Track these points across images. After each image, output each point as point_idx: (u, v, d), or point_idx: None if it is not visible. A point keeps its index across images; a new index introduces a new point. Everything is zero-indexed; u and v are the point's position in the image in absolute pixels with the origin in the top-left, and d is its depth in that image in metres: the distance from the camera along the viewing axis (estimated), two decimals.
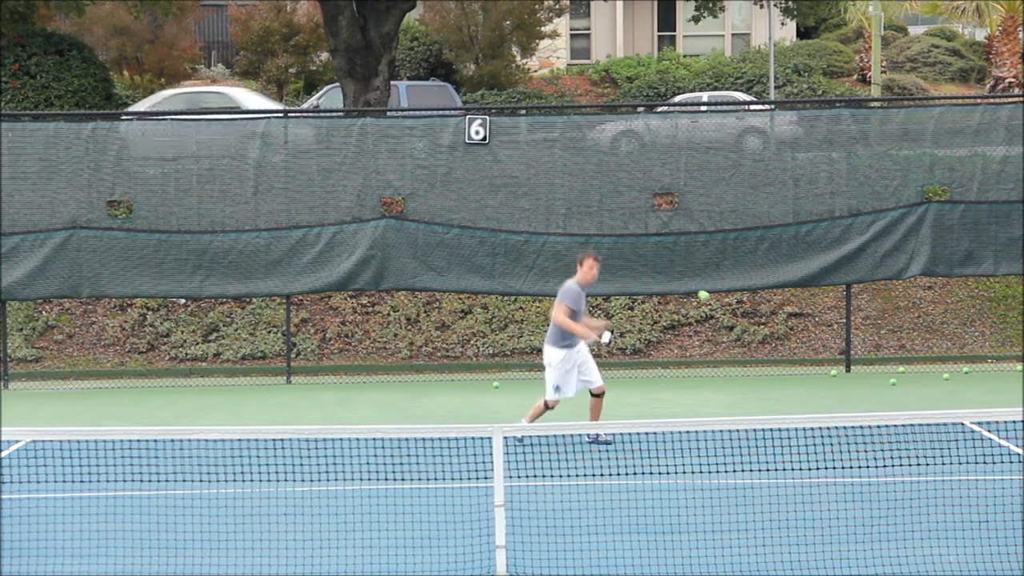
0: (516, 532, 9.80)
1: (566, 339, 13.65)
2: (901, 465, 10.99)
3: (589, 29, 38.86)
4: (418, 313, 22.01)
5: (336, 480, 11.32)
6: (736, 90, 32.04)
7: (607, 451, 12.15)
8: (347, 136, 19.59)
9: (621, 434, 13.54)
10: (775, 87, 31.87)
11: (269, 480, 10.96)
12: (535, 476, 10.90)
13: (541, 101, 31.83)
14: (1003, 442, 12.69)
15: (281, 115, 20.93)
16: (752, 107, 25.18)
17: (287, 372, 19.99)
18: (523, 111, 25.62)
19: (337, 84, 26.08)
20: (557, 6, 33.39)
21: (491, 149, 19.53)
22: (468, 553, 9.58)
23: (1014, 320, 21.60)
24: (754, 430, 10.29)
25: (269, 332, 21.60)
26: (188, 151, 19.57)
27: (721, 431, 10.25)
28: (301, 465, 11.12)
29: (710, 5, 28.69)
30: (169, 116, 22.16)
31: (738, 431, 10.65)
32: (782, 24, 33.19)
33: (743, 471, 11.02)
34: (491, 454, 9.21)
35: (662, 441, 11.83)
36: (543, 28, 33.78)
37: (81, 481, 10.24)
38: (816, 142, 19.77)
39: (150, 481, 10.99)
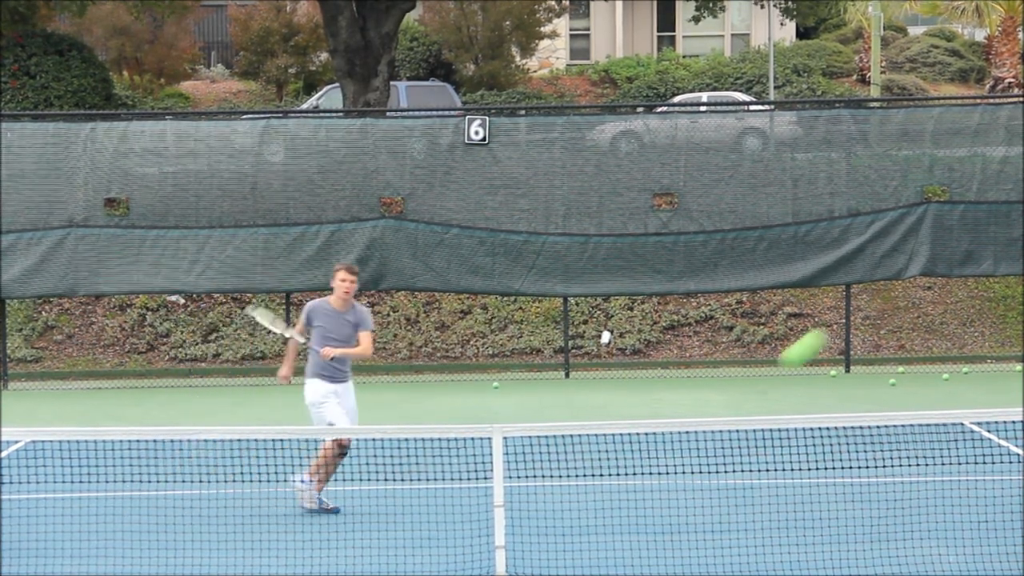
0: (516, 532, 9.79)
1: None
2: (901, 465, 10.99)
3: (588, 29, 38.83)
4: (417, 313, 22.00)
5: (336, 480, 11.33)
6: (736, 90, 32.01)
7: (607, 451, 12.11)
8: (346, 136, 19.57)
9: (621, 434, 13.52)
10: (774, 87, 31.86)
11: (269, 480, 10.95)
12: (535, 476, 10.89)
13: (540, 101, 31.81)
14: (1003, 442, 12.68)
15: (281, 115, 20.89)
16: (751, 107, 25.17)
17: None
18: (522, 111, 25.61)
19: (337, 84, 26.07)
20: (557, 6, 33.36)
21: (490, 149, 19.52)
22: (468, 553, 9.58)
23: (1014, 320, 21.60)
24: (754, 430, 10.29)
25: (268, 332, 21.58)
26: (187, 149, 19.54)
27: (721, 431, 10.23)
28: (301, 465, 11.12)
29: (710, 5, 28.65)
30: (168, 115, 22.14)
31: (738, 431, 10.64)
32: (781, 24, 33.15)
33: (743, 471, 11.01)
34: (491, 454, 9.21)
35: (662, 441, 11.81)
36: (542, 28, 33.74)
37: (81, 481, 10.22)
38: (815, 142, 19.76)
39: (150, 481, 10.98)
